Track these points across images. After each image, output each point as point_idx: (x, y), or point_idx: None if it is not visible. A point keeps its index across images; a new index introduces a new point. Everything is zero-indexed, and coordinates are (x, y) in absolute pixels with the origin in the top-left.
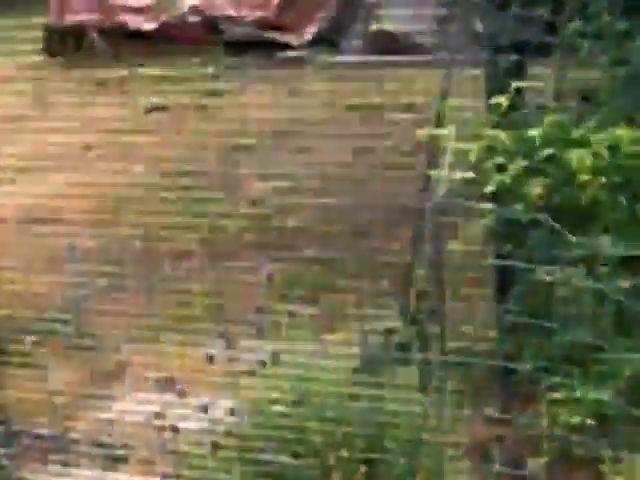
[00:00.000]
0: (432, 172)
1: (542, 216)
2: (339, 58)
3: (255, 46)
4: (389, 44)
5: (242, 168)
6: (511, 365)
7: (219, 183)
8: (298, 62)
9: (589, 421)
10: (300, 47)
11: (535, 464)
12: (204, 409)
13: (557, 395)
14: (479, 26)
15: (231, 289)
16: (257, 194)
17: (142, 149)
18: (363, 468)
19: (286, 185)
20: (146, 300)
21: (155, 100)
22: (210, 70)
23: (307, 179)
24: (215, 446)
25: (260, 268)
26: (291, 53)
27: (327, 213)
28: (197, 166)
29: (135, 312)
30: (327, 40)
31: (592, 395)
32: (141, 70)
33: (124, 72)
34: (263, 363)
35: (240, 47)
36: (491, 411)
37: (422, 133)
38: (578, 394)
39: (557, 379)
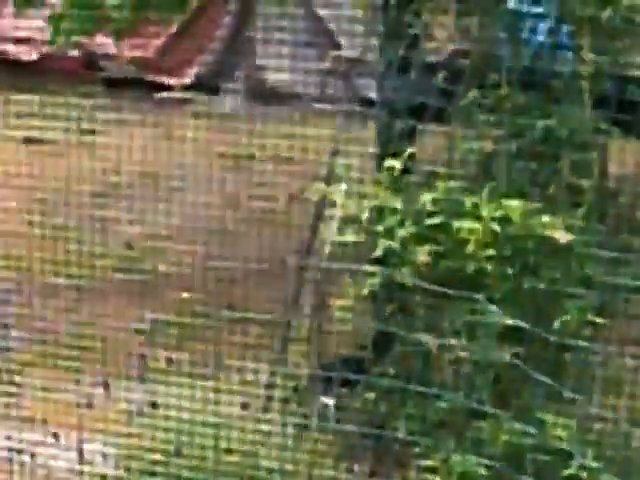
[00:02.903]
0: (320, 230)
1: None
2: (217, 103)
3: (134, 86)
4: (268, 93)
5: (114, 209)
6: (384, 429)
7: (91, 222)
8: (176, 105)
9: None
10: (178, 90)
11: None
12: (77, 451)
13: (429, 461)
14: (367, 84)
15: (100, 331)
16: (128, 237)
17: (16, 182)
18: None
19: (158, 230)
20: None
21: (31, 132)
22: (87, 106)
23: (178, 225)
24: None
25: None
26: (169, 95)
27: (198, 261)
28: (70, 203)
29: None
30: (206, 85)
31: (465, 463)
32: (17, 100)
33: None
34: (141, 409)
35: (118, 85)
36: (363, 470)
37: (314, 189)
38: (450, 461)
39: (430, 445)
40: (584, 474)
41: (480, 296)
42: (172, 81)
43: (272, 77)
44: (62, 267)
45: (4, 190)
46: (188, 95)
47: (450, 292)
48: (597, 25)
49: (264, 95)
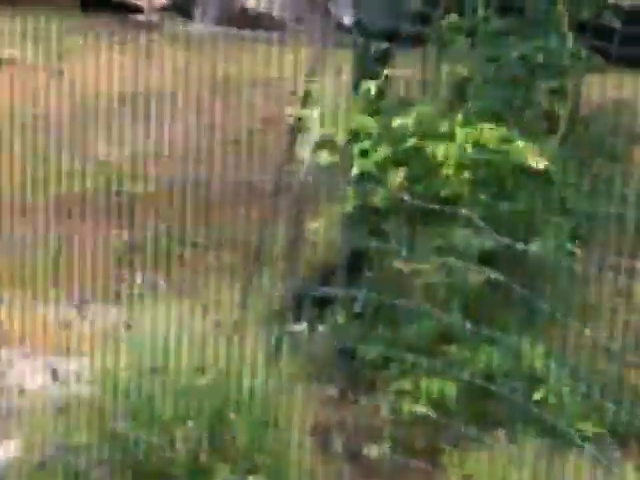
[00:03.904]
0: (297, 151)
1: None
2: (191, 27)
3: (108, 8)
4: (244, 17)
5: (89, 130)
6: (356, 350)
7: (66, 142)
8: (149, 27)
9: (431, 412)
10: (152, 12)
11: (374, 450)
12: (50, 371)
13: (401, 384)
14: (344, 9)
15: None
16: (103, 157)
17: None
18: (207, 442)
19: (133, 151)
20: None
21: (3, 53)
22: (61, 27)
23: (154, 147)
24: (62, 409)
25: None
26: (142, 18)
27: (172, 183)
28: (44, 123)
29: None
30: (180, 8)
31: (436, 386)
32: None
33: None
34: (115, 329)
35: (91, 7)
36: (333, 393)
37: (291, 111)
38: (421, 384)
39: (402, 368)
40: (553, 397)
41: (463, 211)
42: (144, 3)
43: (246, 0)
44: (38, 188)
45: None
46: (162, 18)
47: (427, 212)
48: None
49: (238, 19)
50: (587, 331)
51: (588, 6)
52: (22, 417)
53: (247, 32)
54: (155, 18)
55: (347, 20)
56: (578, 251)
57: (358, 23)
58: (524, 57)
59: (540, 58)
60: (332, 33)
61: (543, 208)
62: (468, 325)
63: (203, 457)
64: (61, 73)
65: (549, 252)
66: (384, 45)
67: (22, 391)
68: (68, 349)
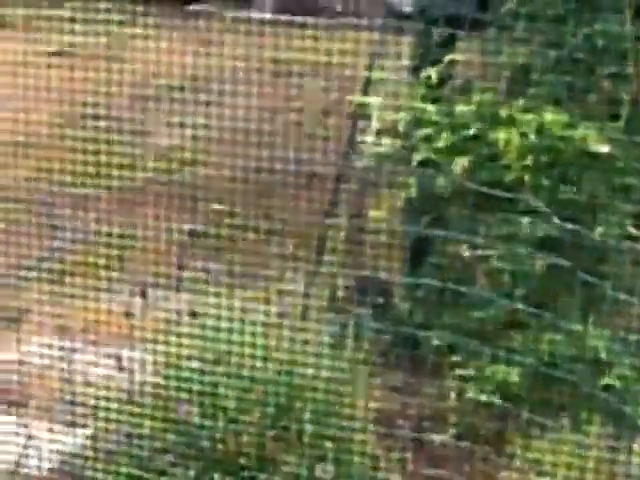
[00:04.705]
0: (360, 138)
1: (468, 184)
2: (250, 14)
3: None
4: (299, 5)
5: (150, 117)
6: (420, 335)
7: (127, 130)
8: (206, 15)
9: (495, 399)
10: (207, 1)
11: (440, 437)
12: (115, 360)
13: (465, 371)
14: None
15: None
16: (165, 145)
17: (47, 92)
18: (273, 432)
19: (193, 138)
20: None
21: (60, 42)
22: (117, 17)
23: (216, 133)
24: (127, 399)
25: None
26: (199, 5)
27: (235, 169)
28: (104, 113)
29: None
30: None
31: (500, 372)
32: (46, 12)
33: (29, 12)
34: (178, 317)
35: None
36: (398, 381)
37: (351, 99)
38: (486, 371)
39: (466, 355)
40: (619, 383)
41: (527, 197)
42: None
43: None
44: (95, 177)
45: (35, 102)
46: (221, 6)
47: (490, 199)
48: None
49: (294, 7)
50: None
51: None
52: (88, 407)
53: (307, 19)
54: (214, 6)
55: (407, 6)
56: None
57: (419, 9)
58: (585, 41)
59: (601, 42)
60: (392, 19)
61: (606, 193)
62: (532, 311)
63: (269, 446)
64: (120, 61)
65: (612, 237)
66: (445, 31)
67: (87, 381)
68: (132, 338)
